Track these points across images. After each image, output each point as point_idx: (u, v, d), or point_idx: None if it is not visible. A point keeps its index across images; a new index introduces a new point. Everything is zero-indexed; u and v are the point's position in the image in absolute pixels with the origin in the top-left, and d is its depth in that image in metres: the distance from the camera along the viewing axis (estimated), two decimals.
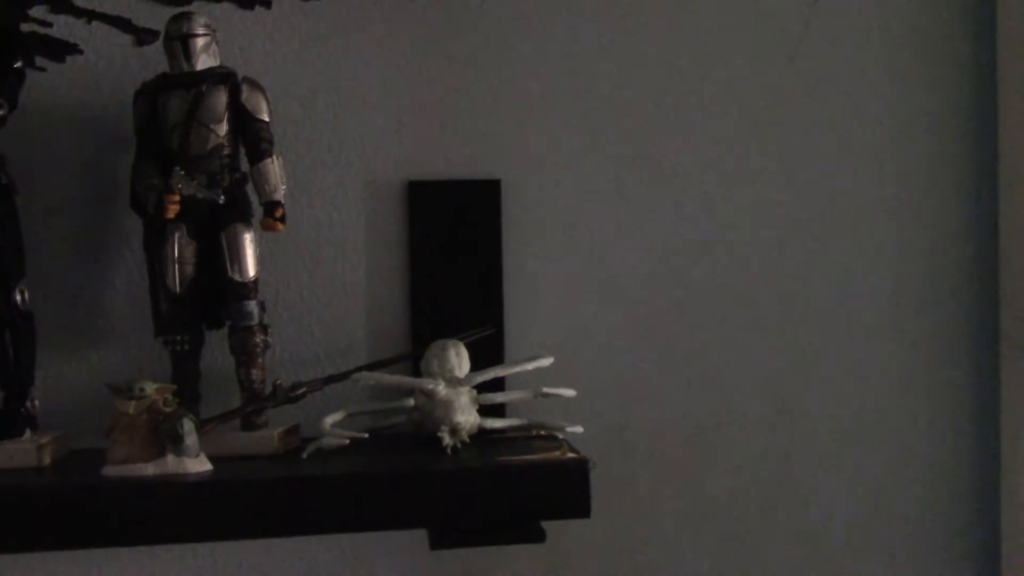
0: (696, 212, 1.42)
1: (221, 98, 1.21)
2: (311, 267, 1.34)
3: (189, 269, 1.21)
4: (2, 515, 1.08)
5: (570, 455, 1.17)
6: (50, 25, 1.19)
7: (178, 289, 1.21)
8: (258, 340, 1.23)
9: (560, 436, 1.26)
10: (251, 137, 1.22)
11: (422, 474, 1.14)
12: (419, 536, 1.29)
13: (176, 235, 1.20)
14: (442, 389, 1.21)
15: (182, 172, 1.18)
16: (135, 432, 1.11)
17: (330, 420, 1.20)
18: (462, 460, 1.17)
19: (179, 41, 1.20)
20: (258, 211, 1.23)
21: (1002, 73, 1.44)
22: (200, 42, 1.20)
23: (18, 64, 1.16)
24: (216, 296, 1.23)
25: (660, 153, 1.41)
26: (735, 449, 1.43)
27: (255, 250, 1.22)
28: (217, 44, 1.22)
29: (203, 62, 1.21)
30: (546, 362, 1.27)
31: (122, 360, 1.30)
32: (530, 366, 1.26)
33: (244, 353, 1.23)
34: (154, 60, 1.24)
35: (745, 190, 1.42)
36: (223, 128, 1.21)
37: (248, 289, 1.22)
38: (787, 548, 1.45)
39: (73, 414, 1.27)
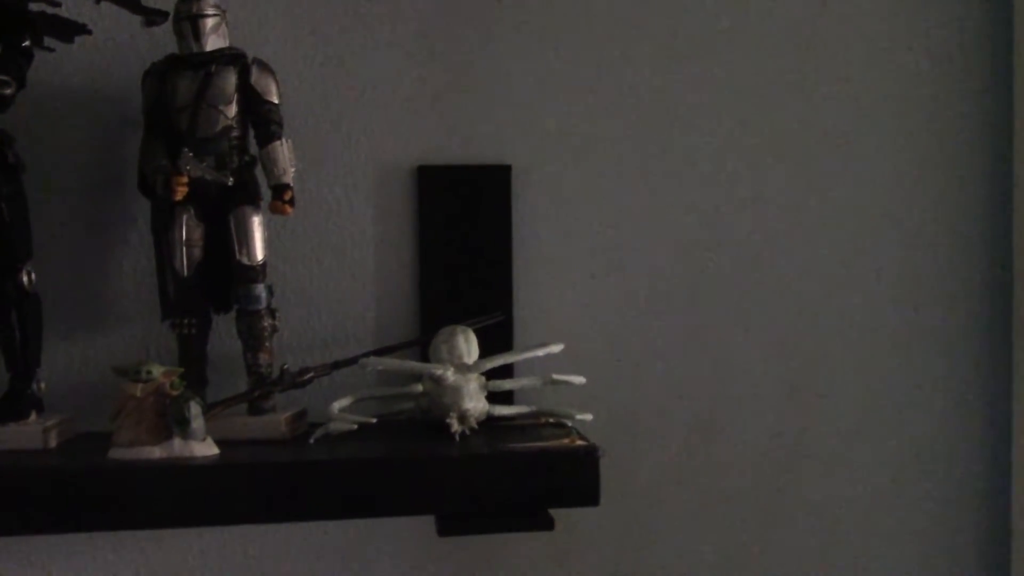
0: (707, 199, 1.41)
1: (230, 79, 1.20)
2: (319, 251, 1.33)
3: (197, 252, 1.21)
4: (7, 498, 1.07)
5: (579, 443, 1.16)
6: (59, 5, 1.18)
7: (186, 272, 1.20)
8: (266, 324, 1.22)
9: (569, 423, 1.25)
10: (260, 119, 1.21)
11: (430, 460, 1.13)
12: (427, 522, 1.29)
13: (184, 217, 1.20)
14: (451, 375, 1.20)
15: (191, 154, 1.17)
16: (142, 415, 1.11)
17: (338, 405, 1.19)
18: (470, 447, 1.16)
19: (189, 21, 1.19)
20: (267, 194, 1.22)
21: (1018, 66, 1.43)
22: (210, 22, 1.19)
23: (26, 44, 1.15)
24: (224, 279, 1.22)
25: (671, 140, 1.40)
26: (745, 438, 1.42)
27: (263, 233, 1.22)
28: (227, 25, 1.21)
29: (213, 43, 1.19)
30: (556, 349, 1.26)
31: (129, 343, 1.30)
32: (540, 352, 1.25)
33: (251, 337, 1.22)
34: (163, 41, 1.23)
35: (758, 178, 1.41)
36: (232, 110, 1.20)
37: (256, 272, 1.21)
38: (796, 537, 1.44)
39: (79, 396, 1.27)
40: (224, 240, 1.21)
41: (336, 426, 1.18)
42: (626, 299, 1.39)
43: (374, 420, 1.18)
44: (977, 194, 1.46)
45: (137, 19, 1.19)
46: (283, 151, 1.21)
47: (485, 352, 1.26)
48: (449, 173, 1.35)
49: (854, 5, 1.43)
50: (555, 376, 1.24)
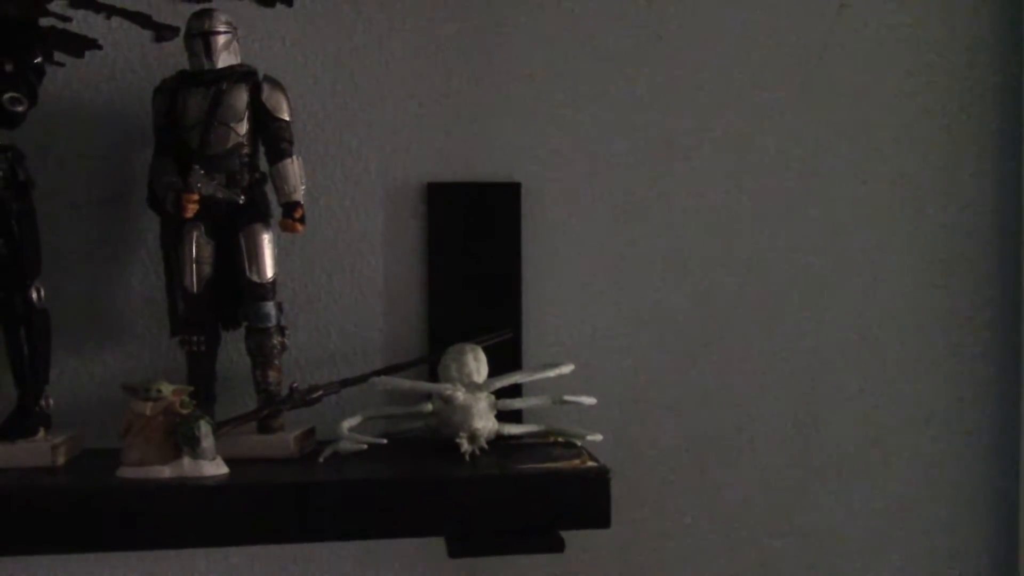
0: (717, 217, 1.40)
1: (241, 96, 1.19)
2: (329, 268, 1.33)
3: (206, 269, 1.20)
4: (15, 515, 1.06)
5: (590, 464, 1.16)
6: (69, 20, 1.18)
7: (195, 289, 1.20)
8: (275, 342, 1.21)
9: (579, 443, 1.24)
10: (271, 136, 1.21)
11: (440, 480, 1.13)
12: (437, 544, 1.28)
13: (194, 234, 1.19)
14: (460, 394, 1.20)
15: (201, 171, 1.17)
16: (151, 434, 1.11)
17: (347, 424, 1.19)
18: (480, 467, 1.16)
19: (200, 38, 1.18)
20: (277, 211, 1.21)
21: None
22: (221, 39, 1.19)
23: (37, 59, 1.15)
24: (233, 297, 1.22)
25: (681, 157, 1.39)
26: (754, 458, 1.42)
27: (273, 251, 1.21)
28: (238, 42, 1.21)
29: (224, 60, 1.19)
30: (567, 369, 1.25)
31: (138, 359, 1.29)
32: (551, 373, 1.25)
33: (261, 355, 1.21)
34: (174, 57, 1.23)
35: (767, 195, 1.41)
36: (243, 127, 1.20)
37: (266, 290, 1.21)
38: (805, 559, 1.44)
39: (88, 414, 1.26)
40: (234, 257, 1.21)
41: (345, 445, 1.17)
42: (635, 318, 1.39)
43: (384, 441, 1.17)
44: (985, 211, 1.45)
45: (148, 34, 1.19)
46: (294, 168, 1.20)
47: (493, 370, 1.25)
48: (458, 190, 1.34)
49: (859, 15, 1.42)
50: (566, 397, 1.23)
